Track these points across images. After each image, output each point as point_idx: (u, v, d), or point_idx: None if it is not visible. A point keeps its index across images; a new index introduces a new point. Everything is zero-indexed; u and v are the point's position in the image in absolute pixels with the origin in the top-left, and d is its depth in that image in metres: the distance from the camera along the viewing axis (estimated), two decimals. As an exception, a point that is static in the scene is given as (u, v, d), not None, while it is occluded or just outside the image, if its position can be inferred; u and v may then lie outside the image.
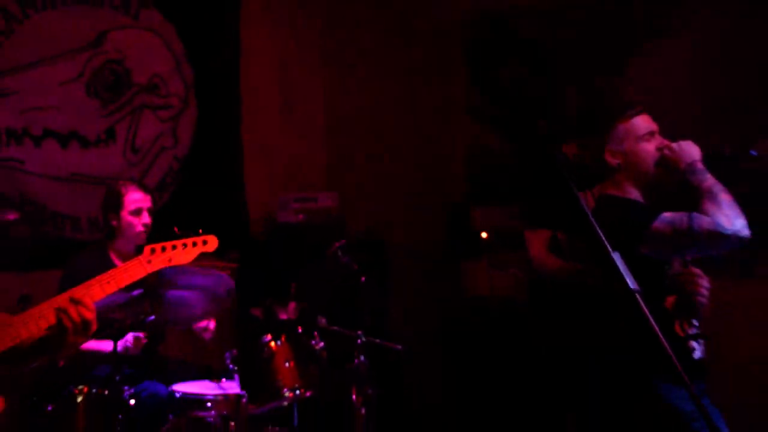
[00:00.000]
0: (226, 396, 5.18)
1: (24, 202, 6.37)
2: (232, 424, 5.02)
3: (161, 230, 5.57)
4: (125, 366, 5.18)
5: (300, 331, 5.45)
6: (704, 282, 3.67)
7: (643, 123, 3.79)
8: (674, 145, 3.72)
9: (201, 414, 5.15)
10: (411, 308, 7.56)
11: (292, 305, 5.81)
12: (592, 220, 3.10)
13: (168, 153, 7.14)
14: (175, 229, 5.75)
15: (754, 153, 4.03)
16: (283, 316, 5.80)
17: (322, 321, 5.59)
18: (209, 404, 5.17)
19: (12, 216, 5.36)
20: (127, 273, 3.31)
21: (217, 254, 5.88)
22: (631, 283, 2.97)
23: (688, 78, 7.04)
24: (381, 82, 8.06)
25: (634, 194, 3.77)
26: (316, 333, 5.50)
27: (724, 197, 3.54)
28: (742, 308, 6.63)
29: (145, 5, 6.98)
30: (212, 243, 3.69)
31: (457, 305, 7.40)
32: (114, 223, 5.54)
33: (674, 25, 7.12)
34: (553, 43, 7.72)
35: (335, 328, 5.64)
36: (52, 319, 3.06)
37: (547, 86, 7.77)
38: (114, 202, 5.56)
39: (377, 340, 5.72)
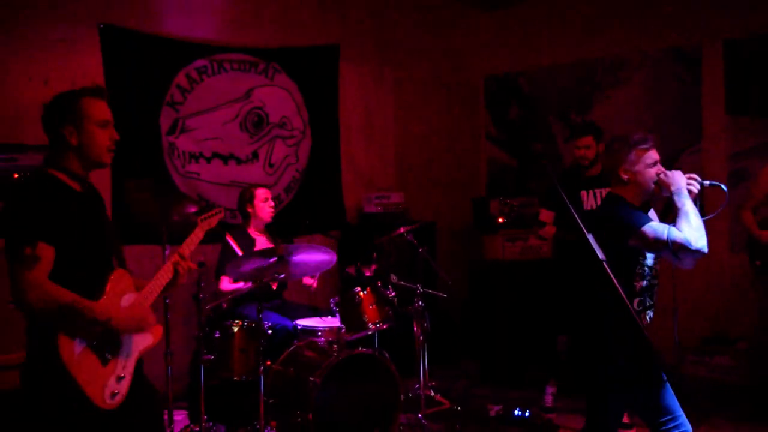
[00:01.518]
0: (331, 328, 5.52)
1: (200, 199, 6.73)
2: (335, 346, 5.29)
3: (290, 219, 6.25)
4: (266, 308, 5.48)
5: (379, 284, 5.67)
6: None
7: (653, 154, 3.72)
8: (668, 173, 3.67)
9: (315, 339, 5.49)
10: (450, 268, 7.73)
11: (373, 267, 5.92)
12: (573, 210, 3.47)
13: (292, 167, 7.53)
14: (305, 222, 6.43)
15: (724, 188, 3.85)
16: (368, 274, 5.87)
17: (394, 278, 5.84)
18: (320, 333, 5.54)
19: (193, 209, 5.70)
20: (197, 236, 3.66)
21: (325, 233, 6.63)
22: (599, 254, 3.31)
23: (632, 114, 7.52)
24: (432, 118, 8.56)
25: (633, 200, 3.72)
26: (389, 286, 5.75)
27: (695, 220, 3.50)
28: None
29: (277, 71, 7.32)
30: (221, 212, 4.00)
31: (480, 266, 7.69)
32: (249, 210, 6.02)
33: (621, 78, 7.52)
34: (543, 93, 8.19)
35: (402, 282, 5.89)
36: (172, 270, 3.33)
37: (538, 120, 8.26)
38: (248, 198, 6.05)
39: (430, 290, 6.00)
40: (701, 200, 3.90)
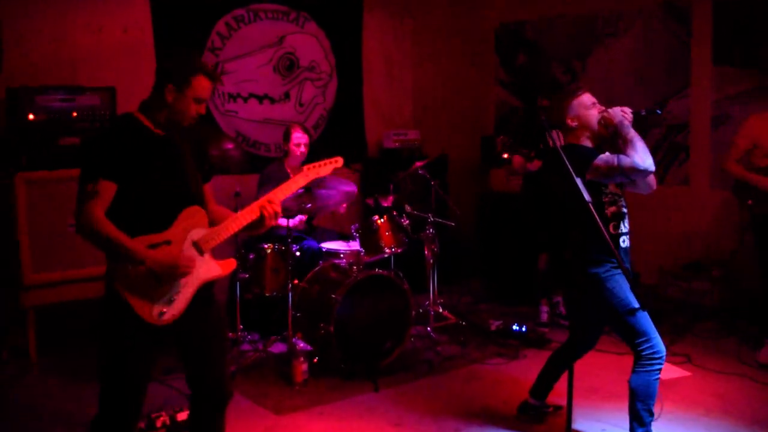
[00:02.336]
0: (352, 251, 5.54)
1: (238, 134, 6.81)
2: (354, 268, 5.27)
3: (318, 151, 6.24)
4: (294, 232, 5.59)
5: (395, 213, 5.65)
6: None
7: (587, 98, 3.77)
8: (609, 110, 3.71)
9: (337, 261, 5.52)
10: (460, 198, 7.73)
11: (390, 197, 5.88)
12: (562, 153, 3.42)
13: (320, 106, 7.43)
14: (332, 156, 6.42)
15: (659, 111, 4.06)
16: (385, 204, 5.83)
17: (408, 208, 5.81)
18: (342, 255, 5.58)
19: (229, 145, 5.63)
20: (295, 183, 3.36)
21: (348, 166, 6.61)
22: (586, 196, 3.32)
23: (627, 62, 7.37)
24: (446, 63, 8.42)
25: (586, 143, 3.76)
26: (404, 215, 5.75)
27: (639, 144, 3.52)
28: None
29: (307, 19, 7.21)
30: (340, 161, 3.55)
31: (487, 196, 7.72)
32: (286, 148, 5.99)
33: (620, 29, 7.36)
34: (546, 41, 8.04)
35: (415, 212, 5.88)
36: (257, 213, 3.16)
37: (542, 66, 8.14)
38: (286, 137, 6.00)
39: (439, 219, 5.99)
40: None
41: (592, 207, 3.30)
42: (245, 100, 6.90)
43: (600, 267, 3.63)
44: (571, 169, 3.38)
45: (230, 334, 5.53)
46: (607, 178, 3.60)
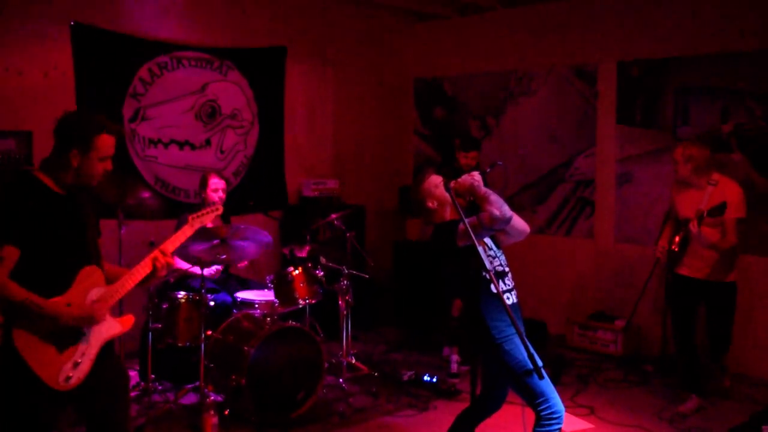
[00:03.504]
0: (266, 301, 5.52)
1: (157, 180, 6.71)
2: (268, 319, 5.26)
3: (238, 197, 6.21)
4: (208, 282, 5.50)
5: (309, 265, 5.64)
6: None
7: (434, 178, 3.87)
8: (458, 180, 3.75)
9: (251, 312, 5.48)
10: (377, 246, 8.01)
11: (306, 248, 5.85)
12: (459, 210, 3.52)
13: (241, 154, 7.38)
14: (251, 203, 6.41)
15: (499, 163, 3.95)
16: (300, 255, 5.82)
17: (323, 259, 5.78)
18: (257, 305, 5.54)
19: (146, 194, 5.54)
20: (183, 233, 3.37)
21: (266, 214, 6.61)
22: (488, 264, 3.41)
23: (538, 120, 7.59)
24: (368, 114, 8.52)
25: (452, 215, 3.81)
26: (319, 266, 5.72)
27: (493, 197, 3.62)
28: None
29: (230, 68, 7.18)
30: (220, 209, 3.65)
31: (403, 245, 7.88)
32: (203, 195, 5.93)
33: (531, 89, 7.59)
34: (463, 96, 8.21)
35: (330, 264, 5.85)
36: (150, 266, 3.21)
37: (459, 120, 8.28)
38: (203, 184, 5.95)
39: (354, 272, 5.99)
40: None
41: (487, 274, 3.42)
42: (166, 145, 6.83)
43: (494, 330, 3.67)
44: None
45: (141, 383, 5.44)
46: (476, 236, 3.57)
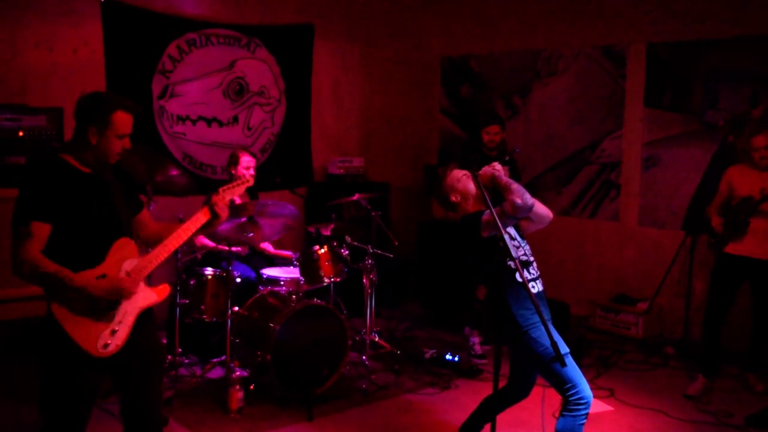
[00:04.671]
0: (292, 279, 5.54)
1: (185, 156, 6.79)
2: (294, 297, 5.29)
3: (265, 175, 6.21)
4: (234, 259, 5.55)
5: (335, 243, 5.63)
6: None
7: (456, 172, 3.95)
8: (479, 172, 3.80)
9: (277, 289, 5.52)
10: (402, 224, 8.03)
11: (331, 226, 5.81)
12: (486, 196, 3.58)
13: (267, 131, 7.42)
14: (277, 179, 6.46)
15: (517, 150, 3.99)
16: (325, 233, 5.78)
17: (348, 238, 5.79)
18: (282, 283, 5.56)
19: (174, 171, 5.61)
20: (233, 191, 3.43)
21: (291, 190, 6.66)
22: (513, 253, 3.44)
23: (565, 99, 7.52)
24: (393, 92, 8.52)
25: (476, 208, 3.87)
26: (344, 245, 5.73)
27: (515, 186, 3.65)
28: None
29: (258, 45, 7.20)
30: (251, 182, 3.61)
31: (428, 223, 7.79)
32: (233, 172, 5.94)
33: (559, 69, 7.52)
34: (490, 75, 8.17)
35: (355, 243, 5.87)
36: (207, 214, 3.30)
37: (485, 99, 8.24)
38: (234, 161, 5.97)
39: (378, 251, 6.00)
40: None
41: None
42: (194, 122, 6.87)
43: (520, 318, 3.71)
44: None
45: (168, 356, 5.49)
46: (497, 228, 3.61)
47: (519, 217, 3.70)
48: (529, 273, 3.77)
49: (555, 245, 7.55)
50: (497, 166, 3.85)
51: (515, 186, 3.70)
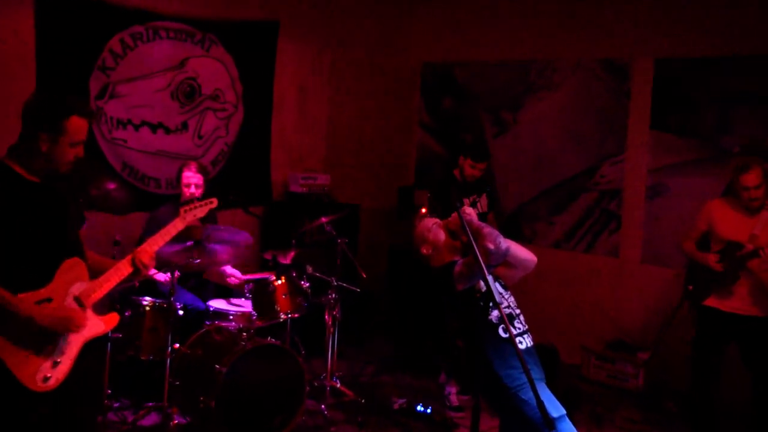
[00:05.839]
0: (243, 313, 5.50)
1: (125, 166, 6.63)
2: (244, 334, 5.24)
3: (216, 190, 6.18)
4: (180, 287, 5.52)
5: (294, 274, 5.63)
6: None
7: (428, 221, 4.06)
8: (449, 219, 3.95)
9: (225, 324, 5.45)
10: (372, 250, 7.98)
11: (291, 253, 5.79)
12: (471, 239, 3.46)
13: (221, 140, 7.33)
14: (230, 196, 6.41)
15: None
16: (284, 261, 5.77)
17: (309, 269, 5.78)
18: (231, 317, 5.50)
19: (111, 185, 5.56)
20: (174, 227, 3.61)
21: (246, 210, 6.57)
22: (496, 296, 3.41)
23: (560, 116, 7.57)
24: (365, 103, 8.49)
25: (452, 257, 3.91)
26: (304, 276, 5.71)
27: (486, 230, 3.70)
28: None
29: (214, 42, 7.11)
30: (215, 202, 3.87)
31: (401, 251, 7.75)
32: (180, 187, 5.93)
33: (553, 83, 7.55)
34: (476, 86, 8.18)
35: (317, 274, 5.86)
36: (131, 267, 3.37)
37: (470, 113, 8.23)
38: (178, 173, 6.00)
39: (344, 284, 5.97)
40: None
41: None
42: (136, 128, 6.76)
43: (507, 379, 3.68)
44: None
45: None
46: (474, 277, 3.71)
47: (493, 264, 3.70)
48: (515, 328, 3.78)
49: (543, 282, 7.49)
50: (467, 209, 3.93)
51: (487, 230, 3.75)
